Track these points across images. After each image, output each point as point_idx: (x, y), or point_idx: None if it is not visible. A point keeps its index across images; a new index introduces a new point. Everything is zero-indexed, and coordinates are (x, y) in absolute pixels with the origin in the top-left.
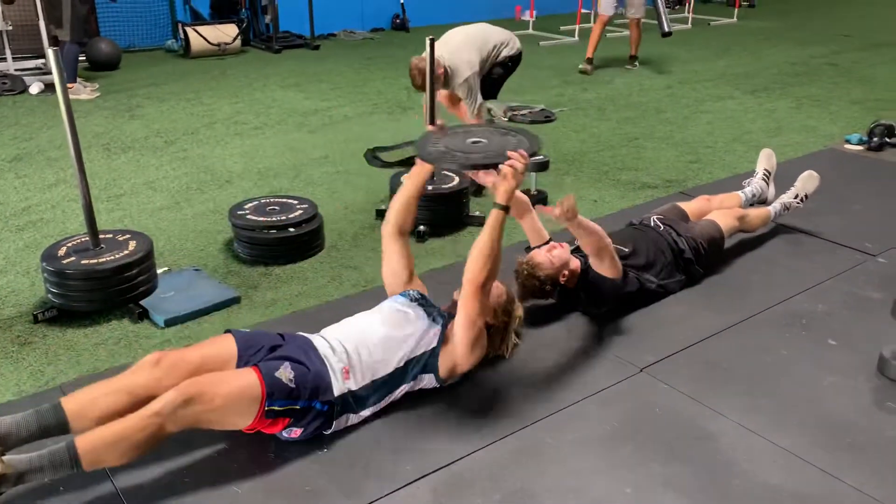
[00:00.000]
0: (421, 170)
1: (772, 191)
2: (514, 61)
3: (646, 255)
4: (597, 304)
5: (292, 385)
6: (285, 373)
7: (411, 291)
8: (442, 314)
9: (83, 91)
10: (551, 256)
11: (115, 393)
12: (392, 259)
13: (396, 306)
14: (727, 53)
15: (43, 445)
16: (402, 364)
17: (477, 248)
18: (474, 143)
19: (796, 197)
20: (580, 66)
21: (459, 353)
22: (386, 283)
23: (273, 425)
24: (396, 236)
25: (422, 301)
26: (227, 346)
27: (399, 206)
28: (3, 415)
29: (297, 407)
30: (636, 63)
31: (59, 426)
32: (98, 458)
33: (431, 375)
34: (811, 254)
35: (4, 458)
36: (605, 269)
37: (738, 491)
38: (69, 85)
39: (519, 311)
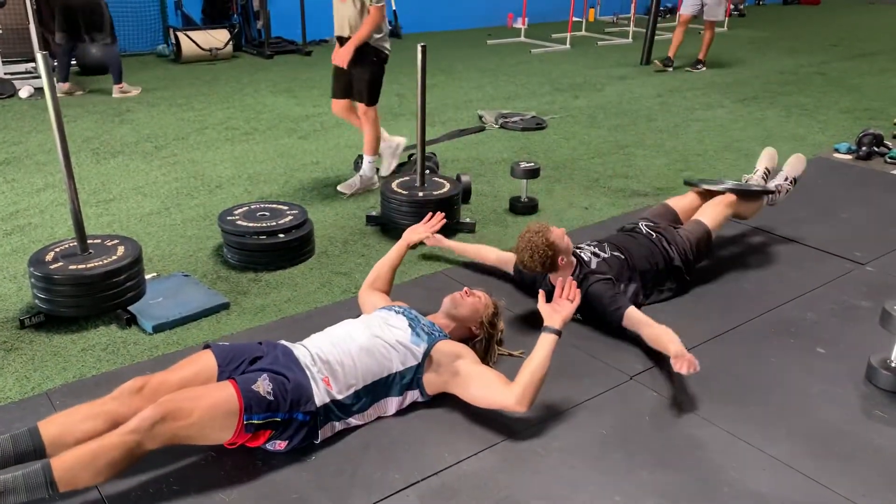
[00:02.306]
0: (405, 245)
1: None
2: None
3: (636, 264)
4: (587, 312)
5: (270, 397)
6: (263, 385)
7: (395, 307)
8: (428, 332)
9: (132, 90)
10: (564, 236)
11: (94, 418)
12: (369, 303)
13: (381, 317)
14: (717, 62)
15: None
16: (385, 375)
17: (533, 372)
18: None
19: (786, 179)
20: (656, 65)
21: (462, 394)
22: (363, 309)
23: (255, 439)
24: (371, 291)
25: (407, 314)
26: (206, 363)
27: (375, 270)
28: None
29: (278, 419)
30: (701, 66)
31: (35, 452)
32: (74, 479)
33: (417, 392)
34: (800, 262)
35: None
36: (633, 323)
37: (726, 499)
38: (118, 85)
39: (501, 324)
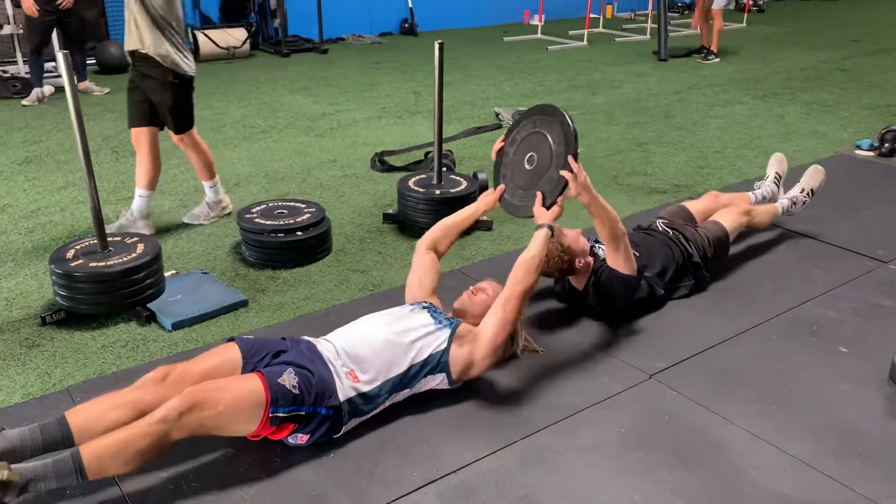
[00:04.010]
0: (483, 206)
1: (783, 194)
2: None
3: (656, 260)
4: (607, 304)
5: (296, 391)
6: (289, 378)
7: (422, 301)
8: (449, 319)
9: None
10: (580, 237)
11: (121, 408)
12: (420, 270)
13: (404, 310)
14: (736, 58)
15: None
16: (408, 367)
17: (526, 260)
18: (529, 160)
19: (803, 191)
20: (699, 59)
21: (481, 351)
22: (409, 290)
23: (278, 432)
24: (430, 252)
25: (429, 308)
26: (230, 355)
27: (442, 227)
28: (10, 417)
29: (302, 413)
30: (713, 57)
31: (63, 441)
32: (102, 467)
33: (444, 375)
34: (821, 260)
35: (11, 466)
36: (621, 262)
37: (747, 499)
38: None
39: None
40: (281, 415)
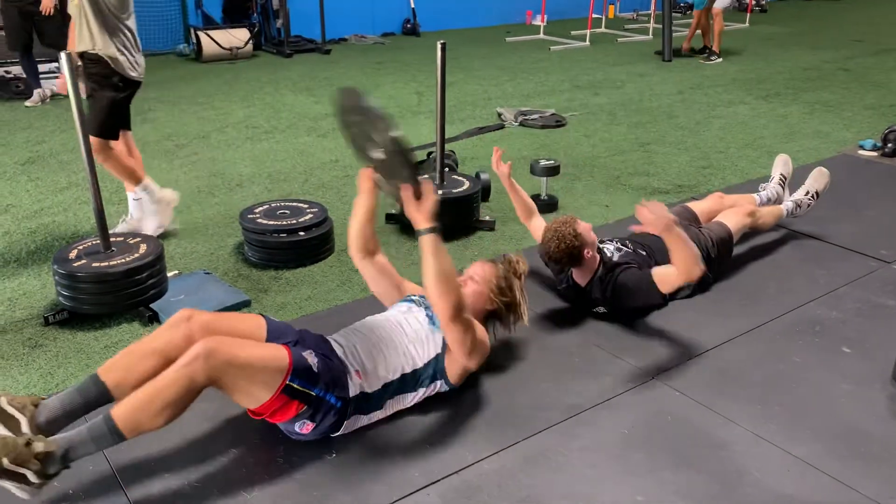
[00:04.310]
0: (365, 198)
1: (788, 195)
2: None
3: (658, 260)
4: (617, 303)
5: (315, 369)
6: (310, 358)
7: (412, 296)
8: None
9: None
10: (591, 231)
11: (150, 356)
12: (373, 282)
13: (402, 310)
14: (739, 58)
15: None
16: (410, 370)
17: (432, 285)
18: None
19: (807, 194)
20: (701, 59)
21: (461, 362)
22: (381, 299)
23: (286, 408)
24: (367, 260)
25: (422, 303)
26: (258, 323)
27: (356, 232)
28: None
29: (314, 394)
30: (716, 57)
31: (102, 398)
32: (136, 424)
33: (442, 381)
34: (824, 260)
35: (47, 438)
36: (668, 284)
37: (750, 500)
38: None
39: (516, 282)
40: (296, 386)
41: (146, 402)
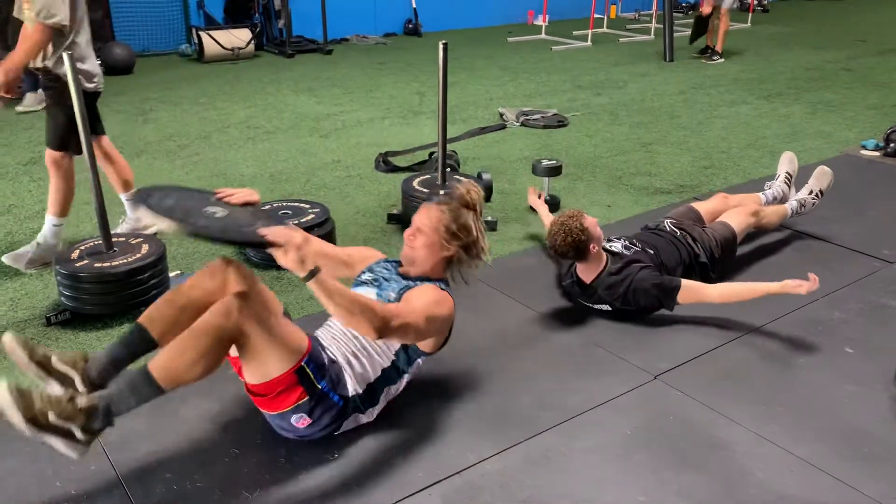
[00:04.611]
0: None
1: (794, 194)
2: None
3: (664, 260)
4: (629, 299)
5: (325, 363)
6: (322, 353)
7: (363, 274)
8: (398, 291)
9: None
10: (597, 226)
11: (190, 308)
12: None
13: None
14: (741, 58)
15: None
16: (389, 363)
17: (341, 321)
18: (214, 213)
19: (811, 193)
20: (703, 59)
21: (416, 326)
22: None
23: (289, 393)
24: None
25: (374, 282)
26: (281, 307)
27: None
28: None
29: (319, 386)
30: (717, 57)
31: (146, 346)
32: (174, 375)
33: (422, 359)
34: (827, 261)
35: (88, 394)
36: (694, 299)
37: (753, 500)
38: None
39: (474, 195)
40: (308, 371)
41: (180, 353)
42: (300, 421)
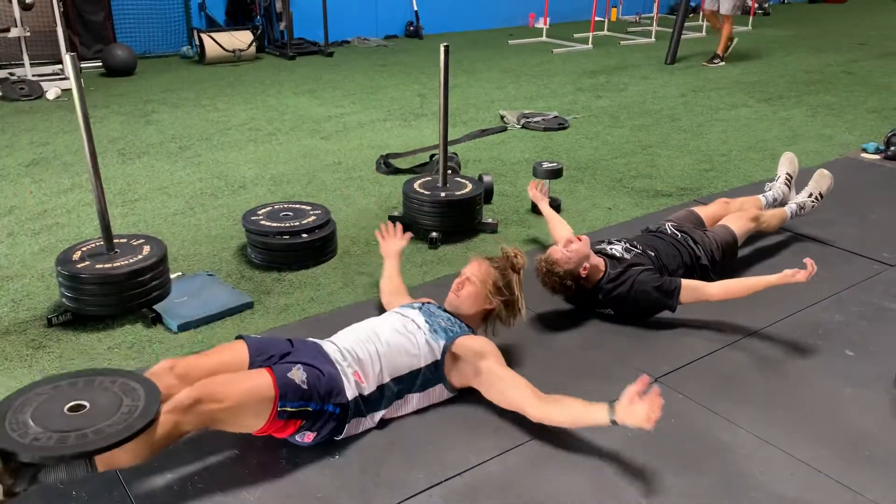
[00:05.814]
0: (395, 258)
1: (794, 195)
2: None
3: (665, 262)
4: (629, 303)
5: (305, 386)
6: (298, 374)
7: (415, 302)
8: (445, 328)
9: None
10: (568, 252)
11: None
12: (395, 303)
13: (401, 314)
14: (741, 61)
15: None
16: (409, 370)
17: (563, 410)
18: (75, 407)
19: (811, 196)
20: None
21: (489, 395)
22: (385, 307)
23: (285, 428)
24: (395, 295)
25: (423, 310)
26: (238, 352)
27: (392, 287)
28: None
29: (310, 409)
30: (718, 61)
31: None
32: (112, 459)
33: (440, 387)
34: (828, 264)
35: None
36: (695, 297)
37: (753, 503)
38: None
39: (514, 278)
40: (289, 409)
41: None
42: (305, 437)
